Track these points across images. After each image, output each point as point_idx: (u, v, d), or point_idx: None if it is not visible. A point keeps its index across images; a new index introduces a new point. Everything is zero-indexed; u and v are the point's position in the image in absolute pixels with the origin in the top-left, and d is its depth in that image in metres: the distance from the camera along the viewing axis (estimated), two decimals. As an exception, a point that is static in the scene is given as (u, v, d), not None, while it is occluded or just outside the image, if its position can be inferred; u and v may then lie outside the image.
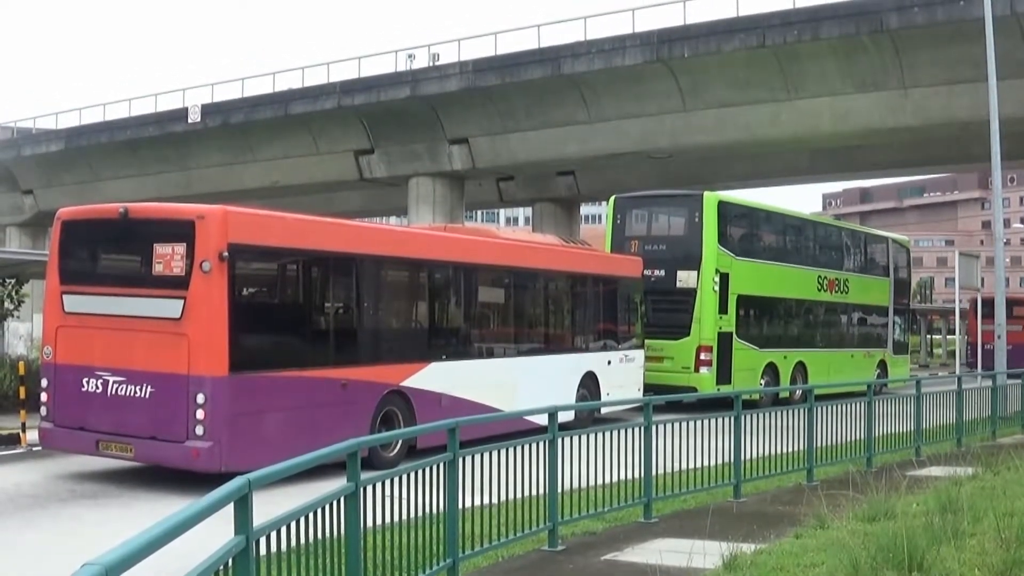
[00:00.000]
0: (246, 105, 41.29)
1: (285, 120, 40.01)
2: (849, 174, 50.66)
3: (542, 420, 9.20)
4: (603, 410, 19.57)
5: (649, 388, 20.85)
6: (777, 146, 35.57)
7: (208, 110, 41.72)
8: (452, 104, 36.73)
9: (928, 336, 62.43)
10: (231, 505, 4.16)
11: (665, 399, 13.82)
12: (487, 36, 46.01)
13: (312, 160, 40.92)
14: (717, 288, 23.12)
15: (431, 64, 38.90)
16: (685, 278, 23.32)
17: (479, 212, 68.93)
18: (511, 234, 21.39)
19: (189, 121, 41.86)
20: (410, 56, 40.36)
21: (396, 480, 6.78)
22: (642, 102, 33.45)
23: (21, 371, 16.99)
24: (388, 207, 51.55)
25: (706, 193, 24.10)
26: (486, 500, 8.01)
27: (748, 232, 25.56)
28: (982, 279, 29.57)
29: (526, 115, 35.78)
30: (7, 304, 21.91)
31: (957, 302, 32.12)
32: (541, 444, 8.74)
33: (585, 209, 64.91)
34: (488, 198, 47.64)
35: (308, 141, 40.51)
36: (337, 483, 5.87)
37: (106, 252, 13.70)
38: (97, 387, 12.44)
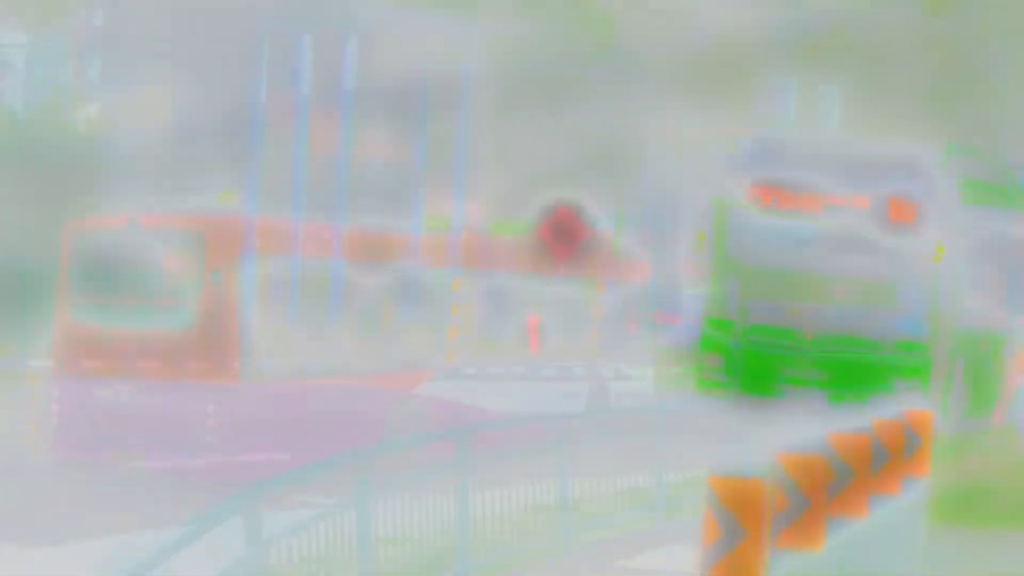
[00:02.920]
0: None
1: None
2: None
3: (553, 427, 9.16)
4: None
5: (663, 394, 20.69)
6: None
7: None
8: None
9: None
10: (241, 516, 4.13)
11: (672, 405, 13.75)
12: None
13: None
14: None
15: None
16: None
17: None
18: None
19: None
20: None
21: (406, 489, 6.74)
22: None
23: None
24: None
25: None
26: (498, 509, 7.98)
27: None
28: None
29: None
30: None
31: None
32: (552, 451, 8.70)
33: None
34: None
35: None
36: (348, 492, 5.83)
37: (115, 262, 13.68)
38: (108, 397, 12.43)
